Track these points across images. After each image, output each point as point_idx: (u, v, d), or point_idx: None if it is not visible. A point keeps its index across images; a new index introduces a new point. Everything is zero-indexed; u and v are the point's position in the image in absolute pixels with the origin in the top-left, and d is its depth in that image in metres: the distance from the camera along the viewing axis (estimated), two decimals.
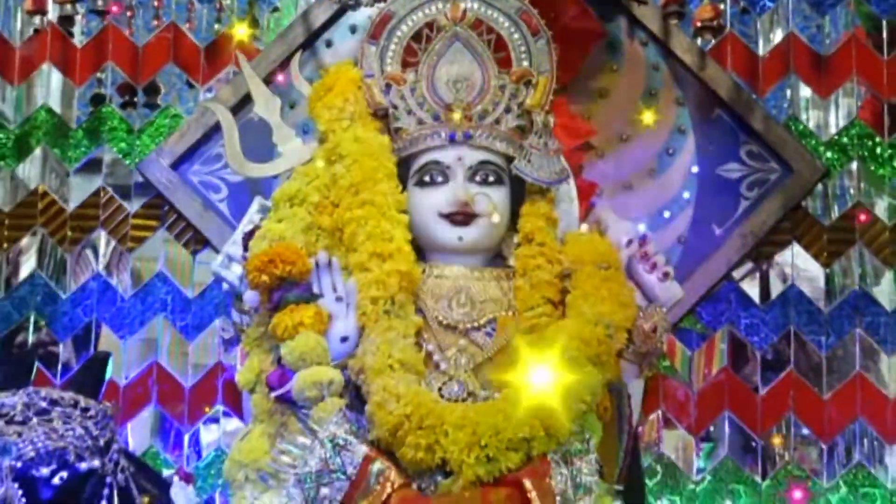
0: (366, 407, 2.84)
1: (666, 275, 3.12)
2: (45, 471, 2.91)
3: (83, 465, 2.96)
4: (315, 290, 2.99)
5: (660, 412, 3.90)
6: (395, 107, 3.17)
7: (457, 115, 3.11)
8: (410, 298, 3.01)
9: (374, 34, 3.22)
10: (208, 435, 3.93)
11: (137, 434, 3.90)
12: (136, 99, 4.02)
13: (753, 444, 3.91)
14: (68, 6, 3.80)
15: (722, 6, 3.95)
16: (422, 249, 3.12)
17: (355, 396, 2.91)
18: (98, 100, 4.03)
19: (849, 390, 3.91)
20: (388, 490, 2.72)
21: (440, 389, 2.93)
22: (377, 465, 2.75)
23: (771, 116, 3.95)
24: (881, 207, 3.99)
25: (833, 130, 4.02)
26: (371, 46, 3.22)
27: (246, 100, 3.57)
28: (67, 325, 3.94)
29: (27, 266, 3.99)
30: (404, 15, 3.22)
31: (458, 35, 3.20)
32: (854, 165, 4.00)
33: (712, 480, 3.90)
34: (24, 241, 4.00)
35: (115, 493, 3.05)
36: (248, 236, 3.12)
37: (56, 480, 2.92)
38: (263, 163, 3.27)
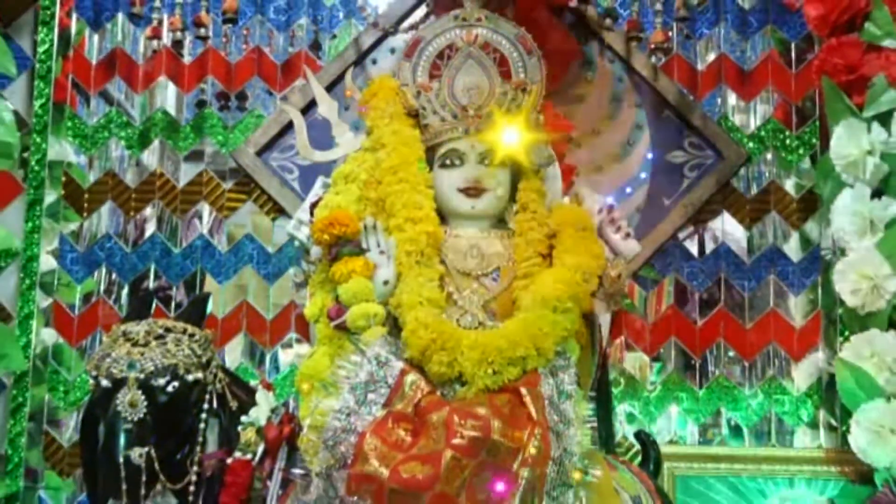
0: (402, 333, 2.80)
1: (628, 235, 3.07)
2: (161, 381, 2.90)
3: (190, 377, 2.96)
4: (364, 245, 2.95)
5: (623, 338, 3.88)
6: (424, 108, 3.12)
7: (470, 114, 3.08)
8: (436, 252, 2.96)
9: (408, 53, 3.18)
10: (284, 355, 3.92)
11: (231, 354, 3.89)
12: (229, 103, 3.99)
13: (693, 362, 3.88)
14: (178, 33, 3.78)
15: (670, 33, 3.90)
16: (444, 216, 3.07)
17: (394, 325, 2.87)
18: (201, 104, 3.99)
19: (765, 322, 3.87)
20: (419, 395, 2.68)
21: (458, 320, 2.89)
22: (411, 377, 2.71)
23: (707, 116, 3.91)
24: (790, 185, 3.94)
25: (753, 127, 3.97)
26: (406, 62, 3.17)
27: (312, 103, 3.54)
28: (179, 273, 3.93)
29: (149, 229, 3.97)
30: (431, 38, 3.16)
31: (471, 54, 3.14)
32: (770, 153, 3.95)
33: (662, 390, 3.88)
34: (147, 211, 3.97)
35: (215, 398, 3.05)
36: (314, 205, 3.08)
37: (170, 389, 2.92)
38: (325, 150, 3.23)
